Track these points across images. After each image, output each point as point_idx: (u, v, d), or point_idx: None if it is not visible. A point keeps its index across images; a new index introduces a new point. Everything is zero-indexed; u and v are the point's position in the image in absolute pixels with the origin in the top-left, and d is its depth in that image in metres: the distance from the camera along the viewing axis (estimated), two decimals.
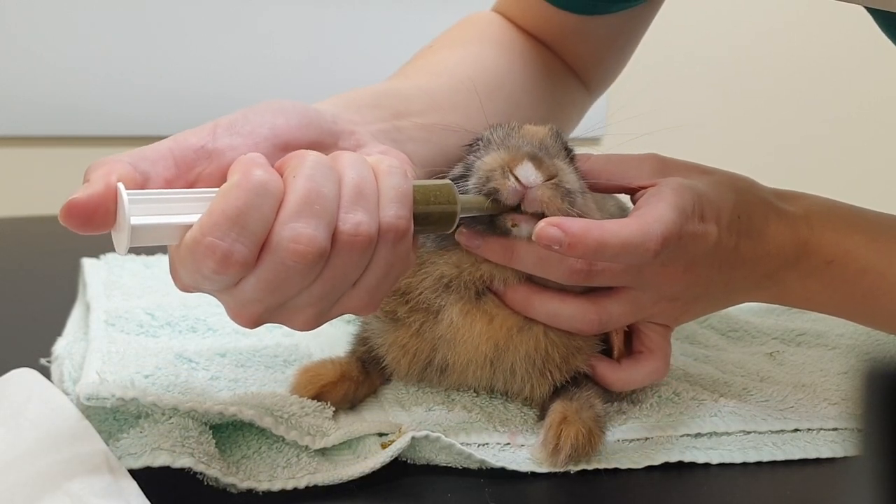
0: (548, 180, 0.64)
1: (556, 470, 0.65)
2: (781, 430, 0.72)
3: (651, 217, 0.64)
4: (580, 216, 0.64)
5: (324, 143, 0.65)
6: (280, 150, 0.61)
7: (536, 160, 0.64)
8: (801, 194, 0.77)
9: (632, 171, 0.72)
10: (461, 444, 0.66)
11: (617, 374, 0.71)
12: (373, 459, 0.64)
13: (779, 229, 0.72)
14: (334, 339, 0.86)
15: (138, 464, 0.59)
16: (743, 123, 2.28)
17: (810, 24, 2.27)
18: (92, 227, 0.55)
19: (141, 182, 0.57)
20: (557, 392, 0.70)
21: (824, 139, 2.34)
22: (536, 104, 0.91)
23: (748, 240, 0.71)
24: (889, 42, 0.85)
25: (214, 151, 0.60)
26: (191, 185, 0.60)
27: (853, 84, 2.33)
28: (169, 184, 0.59)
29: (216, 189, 0.56)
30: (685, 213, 0.66)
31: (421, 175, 0.72)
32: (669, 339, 0.73)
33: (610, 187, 0.74)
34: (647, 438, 0.70)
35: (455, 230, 0.65)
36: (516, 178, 0.64)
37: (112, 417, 0.66)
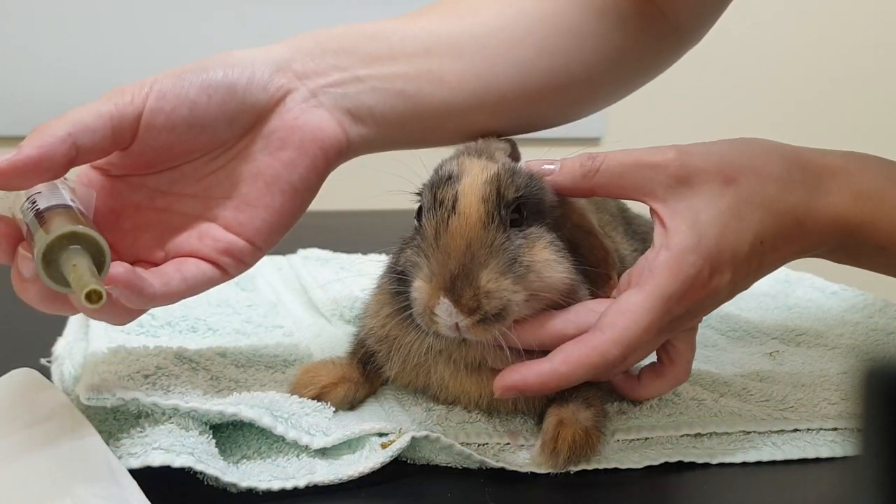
0: (470, 314, 0.61)
1: (557, 471, 0.65)
2: (781, 430, 0.72)
3: (611, 332, 0.61)
4: (508, 338, 0.62)
5: (242, 120, 0.67)
6: (196, 129, 0.66)
7: (453, 294, 0.61)
8: (854, 166, 0.70)
9: (646, 185, 0.66)
10: (461, 444, 0.66)
11: (638, 391, 0.71)
12: (373, 459, 0.64)
13: (815, 229, 0.67)
14: (335, 339, 0.86)
15: (138, 464, 0.59)
16: (744, 121, 2.28)
17: (814, 21, 2.27)
18: (8, 188, 0.60)
19: (72, 158, 0.61)
20: (553, 399, 0.70)
21: (829, 138, 2.34)
22: (588, 47, 0.80)
23: (774, 253, 0.67)
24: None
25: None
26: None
27: (858, 82, 2.33)
28: (104, 153, 0.63)
29: None
30: (672, 299, 0.62)
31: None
32: (694, 341, 0.70)
33: (624, 198, 0.70)
34: (647, 438, 0.70)
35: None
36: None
37: (112, 417, 0.66)
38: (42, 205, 0.60)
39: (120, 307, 0.63)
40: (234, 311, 0.92)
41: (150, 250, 0.68)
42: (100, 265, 0.57)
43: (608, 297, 0.68)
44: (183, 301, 0.92)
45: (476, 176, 0.66)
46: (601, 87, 0.84)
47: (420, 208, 0.68)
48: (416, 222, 0.68)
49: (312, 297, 0.99)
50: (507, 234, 0.64)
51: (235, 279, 1.02)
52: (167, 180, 0.68)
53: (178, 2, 1.82)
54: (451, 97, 0.74)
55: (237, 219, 0.68)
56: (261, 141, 0.68)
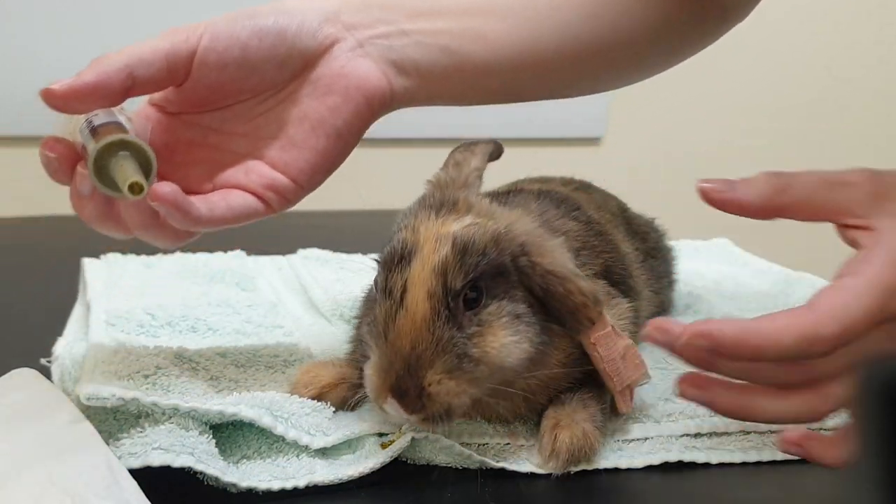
0: (415, 413, 0.62)
1: (557, 472, 0.65)
2: (781, 430, 0.72)
3: (828, 307, 0.56)
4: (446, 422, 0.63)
5: (291, 64, 0.70)
6: (246, 70, 0.69)
7: (398, 394, 0.62)
8: None
9: (843, 203, 0.62)
10: (461, 444, 0.66)
11: (833, 453, 0.61)
12: (373, 459, 0.64)
13: None
14: (335, 339, 0.86)
15: (138, 464, 0.59)
16: (745, 122, 2.28)
17: (815, 22, 2.27)
18: (67, 110, 0.65)
19: (128, 87, 0.65)
20: (551, 400, 0.70)
21: (828, 137, 2.34)
22: (633, 14, 0.79)
23: None
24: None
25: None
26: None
27: (860, 84, 2.33)
28: (158, 87, 0.68)
29: None
30: (889, 289, 0.57)
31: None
32: None
33: (816, 219, 0.65)
34: (647, 438, 0.70)
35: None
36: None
37: (112, 417, 0.66)
38: (97, 122, 0.65)
39: (168, 228, 0.67)
40: (234, 311, 0.92)
41: (199, 183, 0.71)
42: (147, 173, 0.63)
43: (592, 342, 0.67)
44: (183, 301, 0.93)
45: (426, 259, 0.65)
46: (645, 56, 0.84)
47: (376, 279, 0.68)
48: (373, 288, 0.69)
49: (312, 297, 0.99)
50: (457, 323, 0.63)
51: (236, 279, 1.03)
52: (219, 119, 0.72)
53: (178, 2, 1.82)
54: (494, 56, 0.75)
55: (282, 158, 0.71)
56: (308, 86, 0.71)
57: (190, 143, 0.72)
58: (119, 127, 0.65)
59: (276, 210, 0.71)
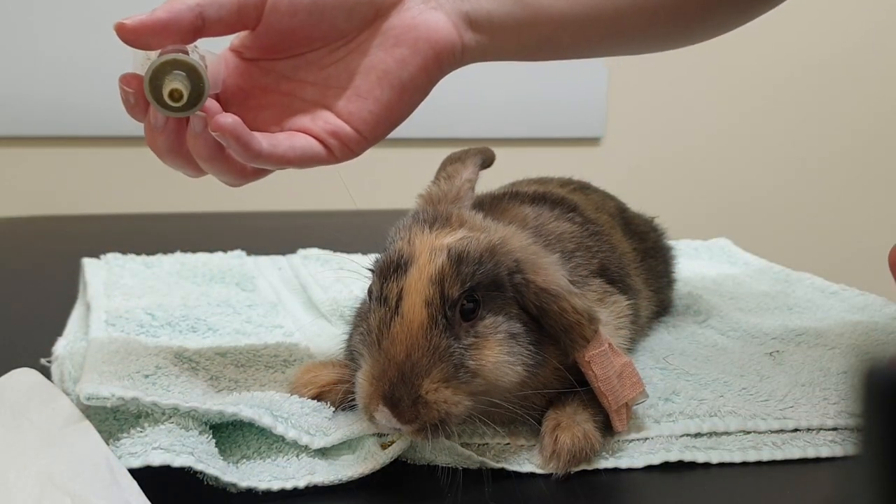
0: (408, 423, 0.61)
1: (557, 472, 0.65)
2: (781, 430, 0.72)
3: None
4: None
5: (360, 13, 0.71)
6: (315, 16, 0.70)
7: (391, 402, 0.61)
8: None
9: None
10: (461, 444, 0.66)
11: None
12: (373, 460, 0.64)
13: None
14: (335, 339, 0.86)
15: (138, 463, 0.59)
16: (744, 123, 2.28)
17: (812, 21, 2.27)
18: (138, 45, 0.66)
19: (199, 26, 0.66)
20: (552, 401, 0.70)
21: (828, 137, 2.34)
22: None
23: None
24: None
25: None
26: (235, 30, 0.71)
27: (859, 87, 2.33)
28: (229, 28, 0.69)
29: None
30: None
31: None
32: None
33: None
34: (647, 438, 0.70)
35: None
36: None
37: (112, 417, 0.66)
38: (165, 51, 0.67)
39: (234, 163, 0.69)
40: (234, 311, 0.92)
41: (267, 126, 0.72)
42: (200, 92, 0.65)
43: (586, 360, 0.67)
44: (183, 301, 0.93)
45: (422, 268, 0.64)
46: (717, 11, 0.84)
47: (370, 288, 0.68)
48: (368, 297, 0.68)
49: (312, 297, 0.99)
50: (454, 333, 0.63)
51: (236, 279, 1.03)
52: (292, 67, 0.73)
53: None
54: (568, 8, 0.76)
55: (347, 108, 0.72)
56: (379, 37, 0.72)
57: (264, 89, 0.73)
58: (182, 52, 0.67)
59: (338, 158, 0.72)
